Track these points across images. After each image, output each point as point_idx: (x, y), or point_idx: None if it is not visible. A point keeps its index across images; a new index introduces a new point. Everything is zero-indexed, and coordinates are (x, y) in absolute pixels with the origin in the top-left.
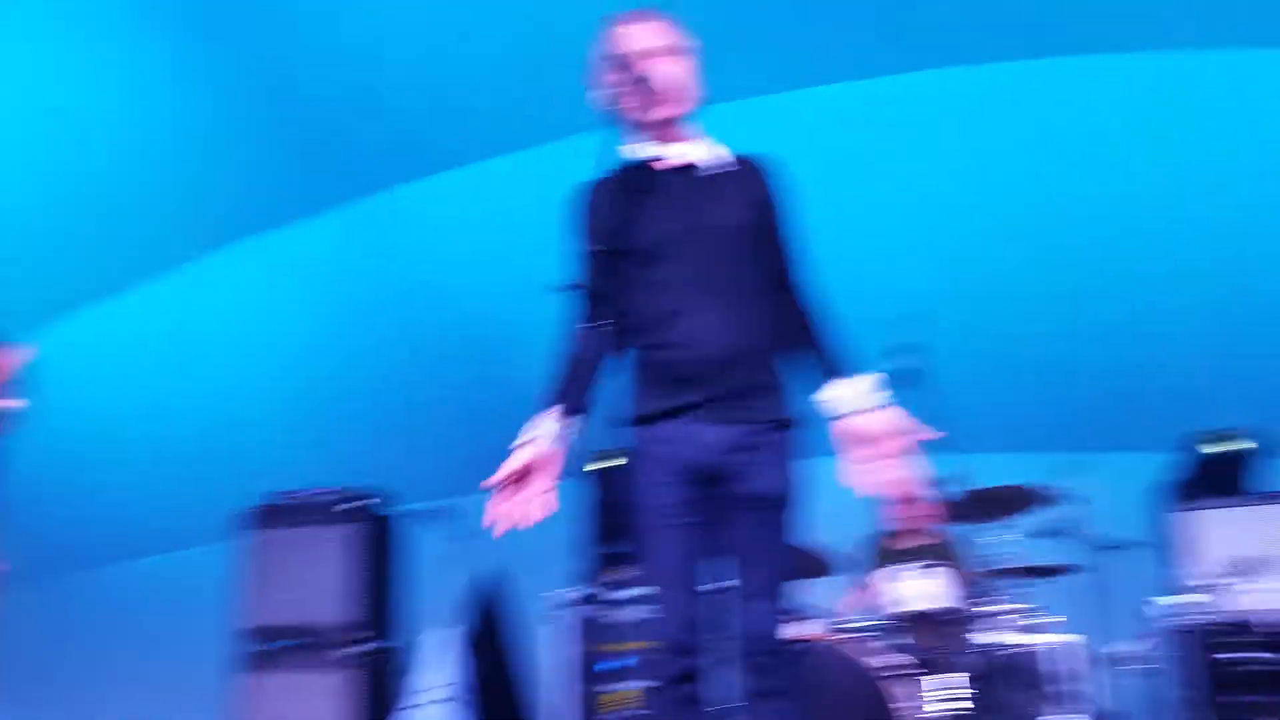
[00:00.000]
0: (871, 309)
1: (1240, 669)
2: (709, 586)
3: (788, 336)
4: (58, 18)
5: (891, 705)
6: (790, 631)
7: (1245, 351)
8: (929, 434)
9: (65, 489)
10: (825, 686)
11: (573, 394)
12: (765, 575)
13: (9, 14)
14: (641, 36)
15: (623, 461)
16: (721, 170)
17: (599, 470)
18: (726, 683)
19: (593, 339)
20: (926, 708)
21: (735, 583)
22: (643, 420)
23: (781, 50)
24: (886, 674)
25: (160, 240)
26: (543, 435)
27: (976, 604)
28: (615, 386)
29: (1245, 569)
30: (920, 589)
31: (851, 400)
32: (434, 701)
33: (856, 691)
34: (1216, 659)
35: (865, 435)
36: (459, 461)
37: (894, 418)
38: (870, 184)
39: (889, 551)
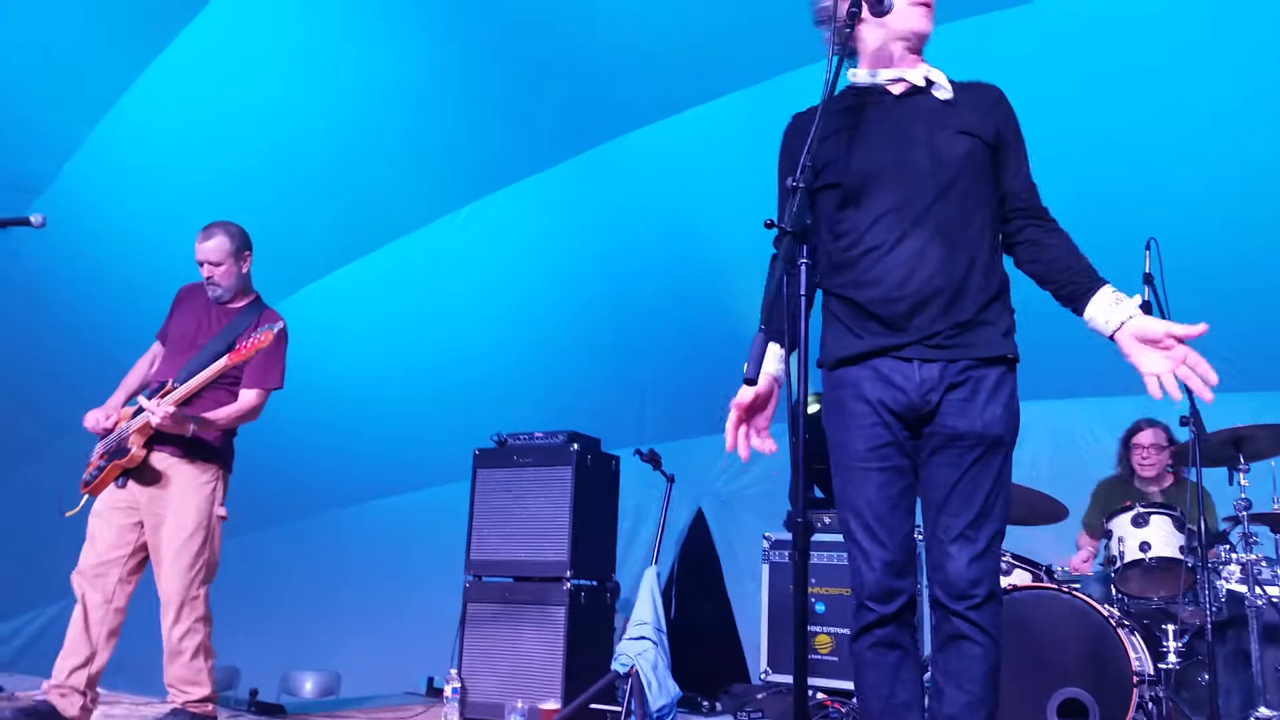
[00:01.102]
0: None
1: None
2: (910, 531)
3: (1033, 262)
4: None
5: (1130, 655)
6: (1011, 578)
7: None
8: (1197, 330)
9: (330, 437)
10: (1056, 634)
11: (781, 329)
12: (975, 519)
13: None
14: None
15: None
16: (948, 97)
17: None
18: (927, 629)
19: (796, 273)
20: (1163, 658)
21: (943, 527)
22: (842, 361)
23: None
24: (1119, 624)
25: (414, 198)
26: (761, 371)
27: (1210, 553)
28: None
29: None
30: (1142, 535)
31: (1121, 309)
32: (644, 638)
33: (1090, 641)
34: None
35: (1150, 336)
36: (686, 403)
37: (1159, 320)
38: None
39: (1119, 495)
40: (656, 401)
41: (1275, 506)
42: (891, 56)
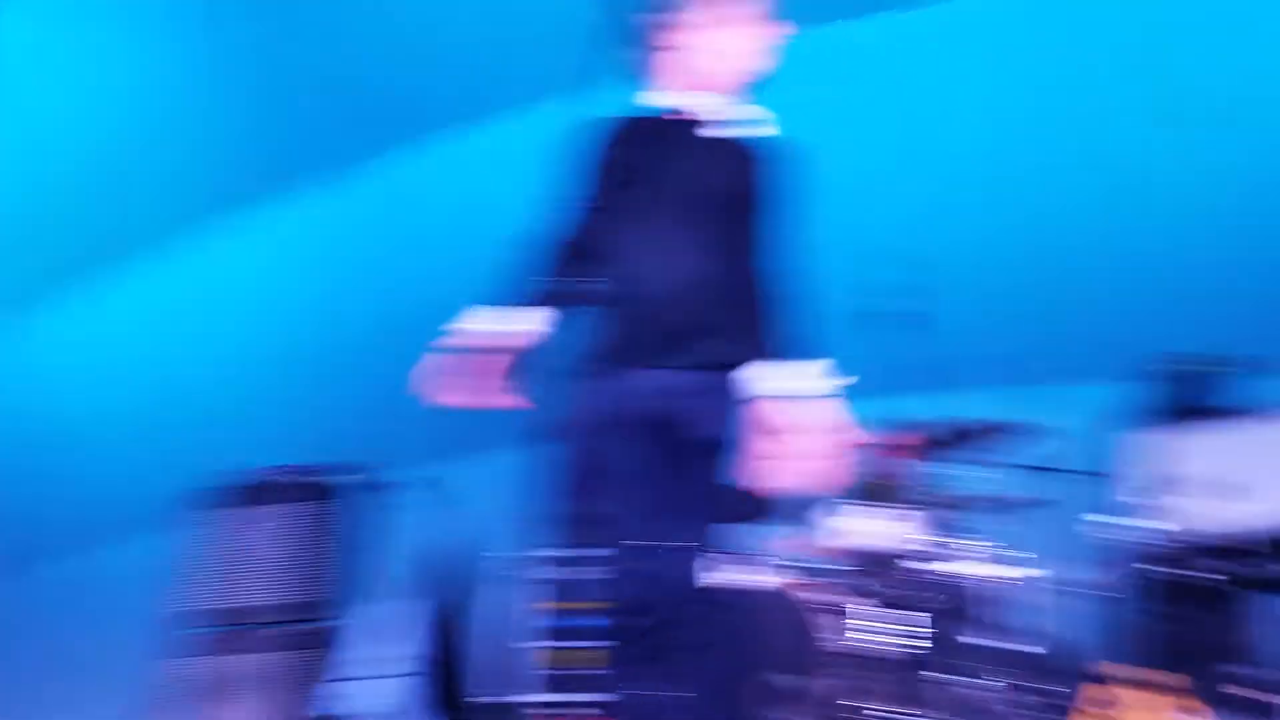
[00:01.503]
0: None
1: (1201, 585)
2: (657, 541)
3: (738, 316)
4: None
5: (867, 644)
6: (735, 578)
7: (1215, 276)
8: (860, 437)
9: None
10: (790, 629)
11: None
12: (705, 525)
13: None
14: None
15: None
16: (727, 136)
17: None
18: (675, 639)
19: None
20: (901, 644)
21: (683, 535)
22: (593, 372)
23: None
24: (857, 614)
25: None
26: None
27: (941, 540)
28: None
29: (1210, 489)
30: (882, 526)
31: (783, 385)
32: (389, 676)
33: (823, 632)
34: (1176, 578)
35: (792, 425)
36: (436, 429)
37: (832, 412)
38: (868, 120)
39: (854, 489)
40: (428, 422)
41: (1003, 494)
42: (696, 86)
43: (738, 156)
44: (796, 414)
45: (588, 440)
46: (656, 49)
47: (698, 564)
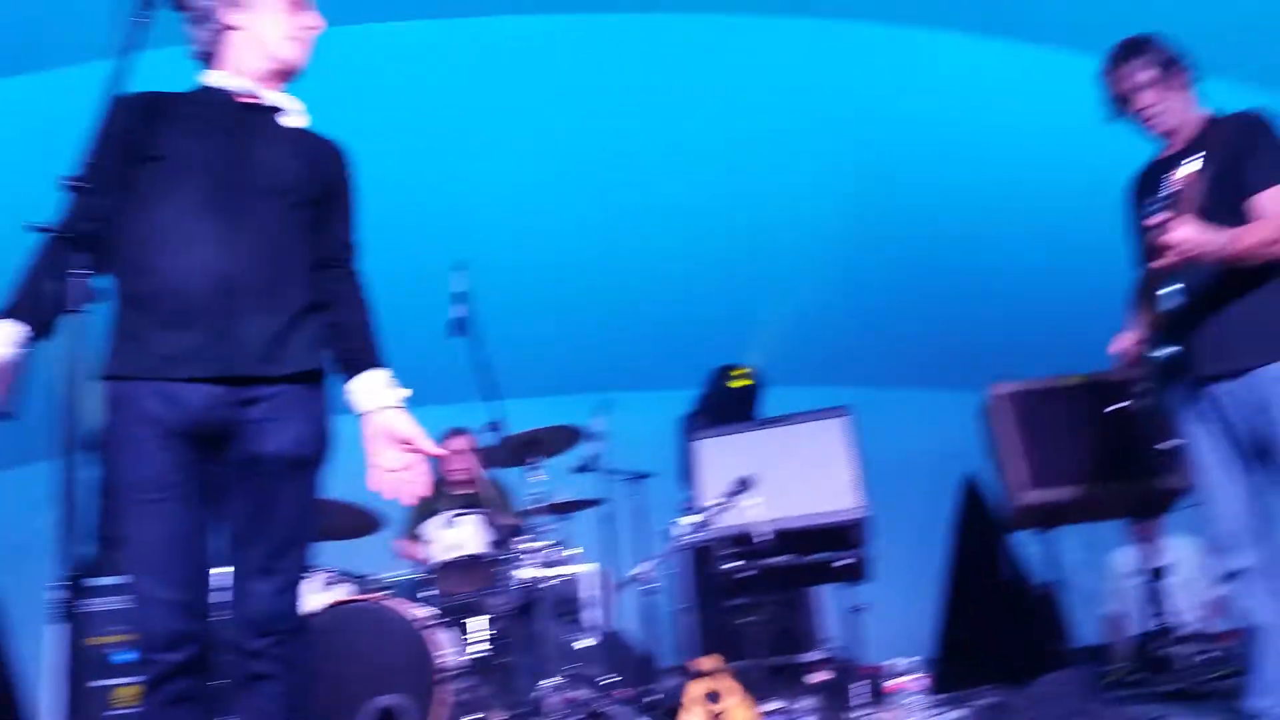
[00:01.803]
0: (419, 253)
1: (736, 576)
2: (208, 567)
3: (329, 320)
4: None
5: (436, 654)
6: (321, 598)
7: (753, 292)
8: (434, 451)
9: None
10: (367, 645)
11: (34, 307)
12: (280, 547)
13: None
14: None
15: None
16: (295, 125)
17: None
18: (227, 672)
19: (71, 254)
20: (467, 650)
21: (243, 560)
22: (124, 375)
23: None
24: (429, 624)
25: None
26: None
27: (513, 545)
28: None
29: (745, 487)
30: (456, 537)
31: (386, 396)
32: None
33: (399, 645)
34: (717, 570)
35: (398, 435)
36: None
37: (408, 420)
38: (423, 126)
39: (430, 502)
40: None
41: (562, 497)
42: (255, 73)
43: (303, 147)
44: (391, 423)
45: (126, 455)
46: (210, 26)
47: (276, 591)
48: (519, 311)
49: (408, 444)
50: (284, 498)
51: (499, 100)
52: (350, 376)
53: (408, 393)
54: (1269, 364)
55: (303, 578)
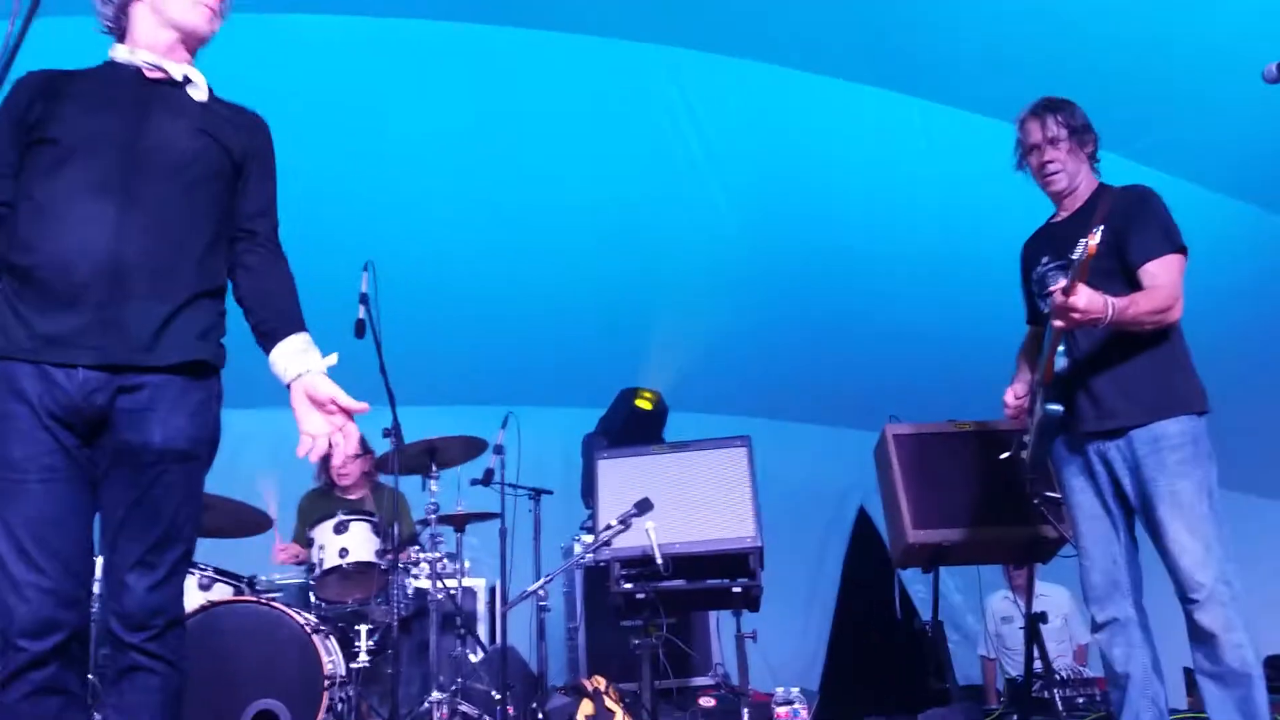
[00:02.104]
0: (326, 252)
1: (631, 597)
2: (89, 555)
3: (247, 289)
4: None
5: (323, 659)
6: (203, 597)
7: (662, 316)
8: (359, 407)
9: None
10: (250, 647)
11: None
12: (158, 543)
13: None
14: None
15: None
16: (202, 99)
17: None
18: (96, 666)
19: None
20: (355, 658)
21: (122, 552)
22: (5, 354)
23: None
24: (314, 629)
25: None
26: None
27: (403, 554)
28: None
29: (644, 509)
30: (342, 542)
31: (304, 360)
32: None
33: (283, 649)
34: (612, 591)
35: (318, 398)
36: None
37: (327, 381)
38: (332, 120)
39: (320, 506)
40: None
41: (458, 508)
42: (160, 45)
43: (211, 120)
44: (311, 386)
45: (2, 434)
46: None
47: (150, 585)
48: (425, 316)
49: (331, 405)
50: (162, 491)
51: (411, 102)
52: (270, 347)
53: (332, 359)
54: (1145, 425)
55: (182, 573)
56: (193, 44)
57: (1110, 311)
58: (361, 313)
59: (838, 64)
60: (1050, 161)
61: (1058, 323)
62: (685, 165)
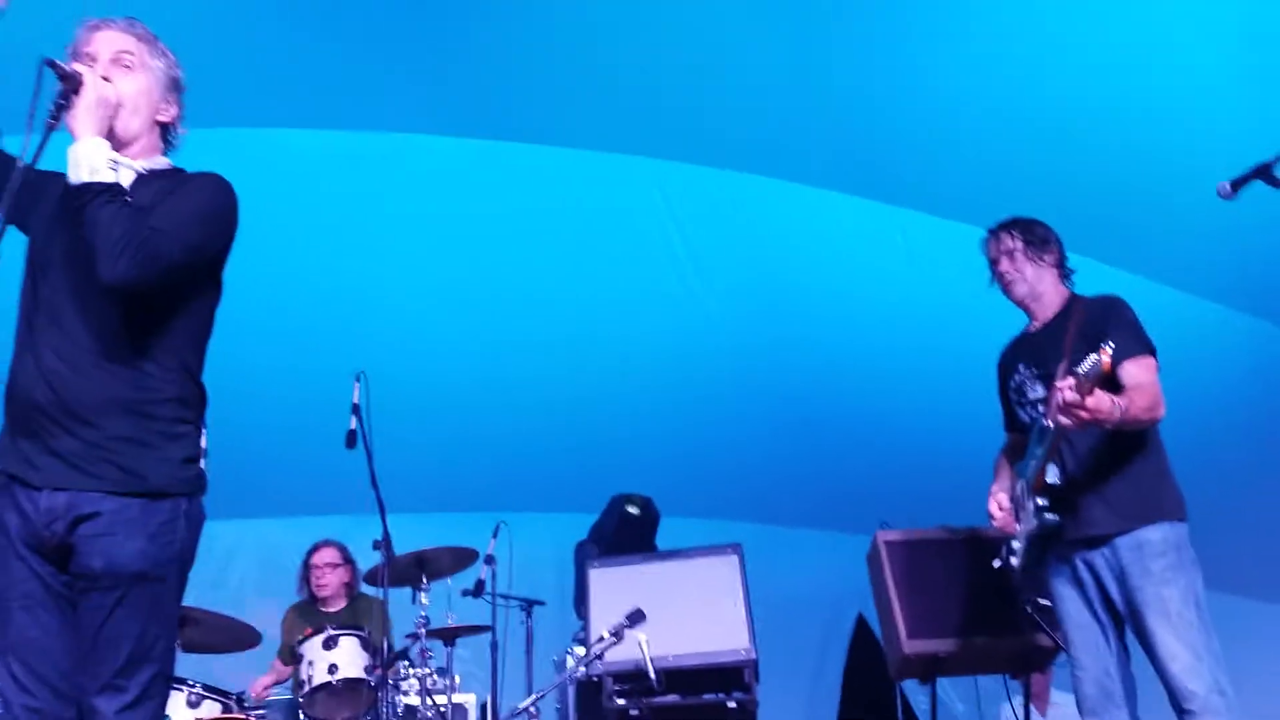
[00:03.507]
0: (317, 362)
1: (624, 713)
2: (65, 677)
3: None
4: None
5: None
6: (200, 710)
7: (652, 421)
8: None
9: None
10: None
11: None
12: (125, 665)
13: None
14: (96, 41)
15: None
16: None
17: None
18: None
19: None
20: None
21: (90, 676)
22: None
23: (263, 89)
24: None
25: None
26: None
27: (389, 669)
28: None
29: (636, 620)
30: (331, 658)
31: None
32: None
33: None
34: (605, 706)
35: None
36: None
37: None
38: (323, 232)
39: (306, 620)
40: None
41: (449, 621)
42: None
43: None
44: None
45: None
46: (57, 99)
47: (136, 711)
48: (414, 424)
49: None
50: (126, 613)
51: (402, 216)
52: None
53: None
54: (1129, 532)
55: (157, 695)
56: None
57: (1118, 412)
58: (353, 423)
59: (818, 173)
60: (1005, 272)
61: (1064, 420)
62: (671, 272)
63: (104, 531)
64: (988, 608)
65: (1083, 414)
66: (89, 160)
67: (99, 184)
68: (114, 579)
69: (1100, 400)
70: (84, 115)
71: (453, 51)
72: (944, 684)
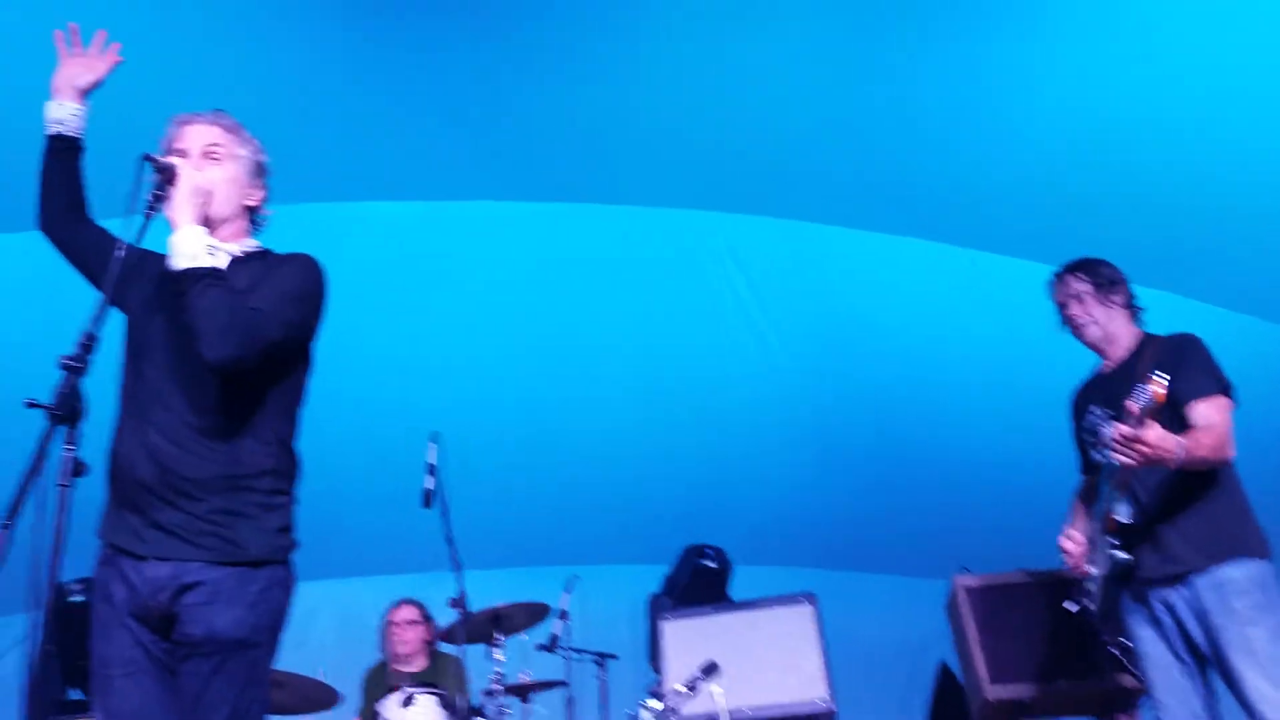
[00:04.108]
0: (392, 425)
1: None
2: None
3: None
4: None
5: None
6: None
7: (724, 471)
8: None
9: None
10: None
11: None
12: None
13: None
14: (187, 136)
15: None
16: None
17: (56, 602)
18: None
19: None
20: None
21: None
22: (102, 548)
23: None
24: None
25: None
26: None
27: None
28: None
29: (710, 672)
30: (409, 717)
31: None
32: None
33: None
34: None
35: None
36: None
37: None
38: (395, 299)
39: (386, 680)
40: None
41: (523, 678)
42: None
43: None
44: None
45: (94, 631)
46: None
47: None
48: (488, 482)
49: None
50: (225, 680)
51: (473, 279)
52: None
53: None
54: (1207, 569)
55: None
56: (210, 224)
57: (1181, 452)
58: (429, 483)
59: (884, 219)
60: (1075, 316)
61: (1124, 459)
62: (741, 323)
63: (206, 600)
64: (1069, 650)
65: (1142, 449)
66: (190, 247)
67: (200, 269)
68: (215, 645)
69: (1160, 436)
70: (181, 205)
71: (516, 115)
72: None
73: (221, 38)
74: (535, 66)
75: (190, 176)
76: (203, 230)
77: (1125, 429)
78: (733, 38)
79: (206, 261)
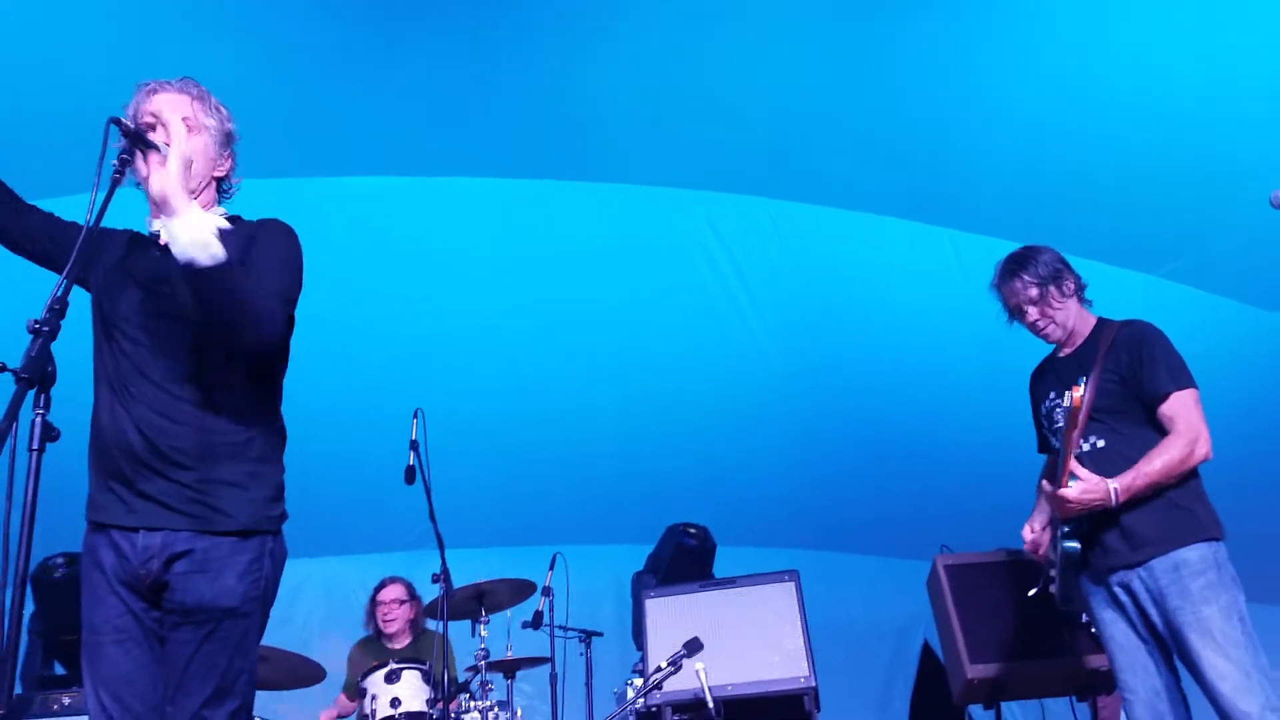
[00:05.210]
0: (376, 403)
1: None
2: (152, 711)
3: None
4: None
5: None
6: None
7: (708, 450)
8: None
9: None
10: None
11: None
12: (211, 698)
13: None
14: (157, 102)
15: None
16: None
17: (39, 578)
18: None
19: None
20: None
21: (180, 707)
22: (88, 519)
23: (318, 138)
24: None
25: None
26: None
27: (451, 702)
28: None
29: (694, 650)
30: (393, 691)
31: None
32: None
33: None
34: None
35: None
36: None
37: None
38: (378, 274)
39: (371, 655)
40: None
41: (508, 654)
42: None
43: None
44: None
45: (84, 598)
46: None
47: None
48: (471, 458)
49: None
50: (215, 647)
51: (455, 255)
52: None
53: None
54: (1166, 553)
55: None
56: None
57: (1114, 497)
58: (411, 459)
59: (866, 198)
60: (1034, 323)
61: (1066, 512)
62: (724, 302)
63: (196, 569)
64: (1046, 630)
65: (1070, 508)
66: (198, 234)
67: (220, 260)
68: (205, 614)
69: (1082, 490)
70: (174, 183)
71: (500, 93)
72: (1012, 708)
73: (200, 11)
74: (519, 43)
75: (179, 149)
76: (209, 214)
77: (1049, 489)
78: (717, 17)
79: (219, 249)
